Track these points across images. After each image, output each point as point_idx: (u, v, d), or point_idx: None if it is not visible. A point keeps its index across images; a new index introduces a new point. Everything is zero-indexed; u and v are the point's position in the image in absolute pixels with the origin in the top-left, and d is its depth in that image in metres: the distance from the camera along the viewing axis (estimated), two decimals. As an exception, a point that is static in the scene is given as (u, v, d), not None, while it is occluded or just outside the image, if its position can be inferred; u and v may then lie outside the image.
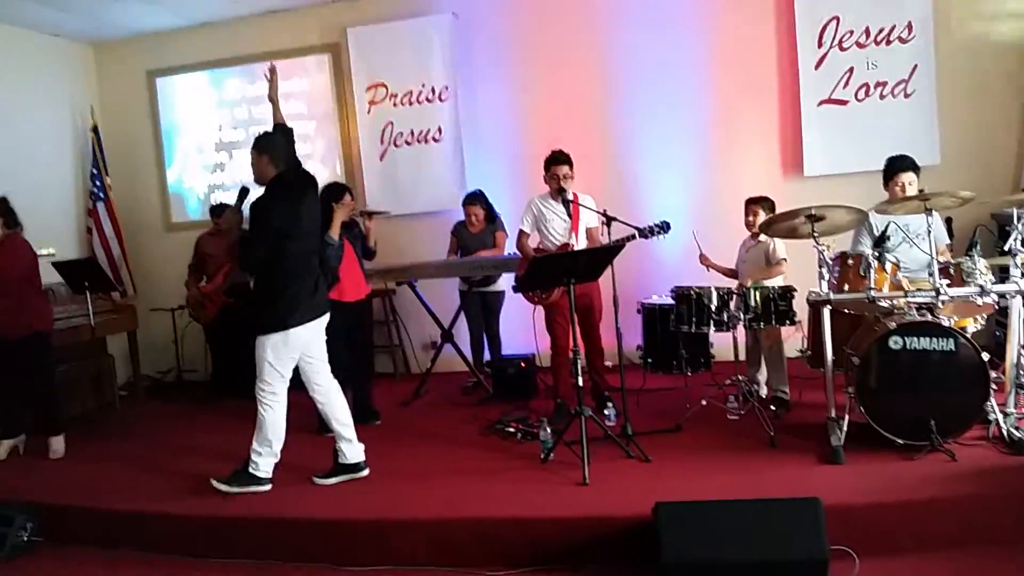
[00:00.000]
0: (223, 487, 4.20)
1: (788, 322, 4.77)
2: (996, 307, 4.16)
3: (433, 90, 7.18)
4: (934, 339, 3.95)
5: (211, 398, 6.77)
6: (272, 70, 4.67)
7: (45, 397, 5.40)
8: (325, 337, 4.37)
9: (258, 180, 4.26)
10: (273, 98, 4.62)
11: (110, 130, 7.82)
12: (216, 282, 6.63)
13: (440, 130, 7.20)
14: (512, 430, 5.00)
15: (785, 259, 5.05)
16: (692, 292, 4.88)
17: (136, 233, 7.92)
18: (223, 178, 7.77)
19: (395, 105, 7.30)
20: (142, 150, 7.96)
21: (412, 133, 7.28)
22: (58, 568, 4.03)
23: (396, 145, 7.33)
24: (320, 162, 7.55)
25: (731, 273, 5.40)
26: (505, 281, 6.34)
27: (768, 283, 4.93)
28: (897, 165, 4.70)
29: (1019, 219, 4.01)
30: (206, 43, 7.61)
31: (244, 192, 4.36)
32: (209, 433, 5.70)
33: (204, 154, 7.80)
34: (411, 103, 7.26)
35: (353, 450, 4.39)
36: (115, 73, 7.97)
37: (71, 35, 7.58)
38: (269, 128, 4.46)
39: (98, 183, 7.57)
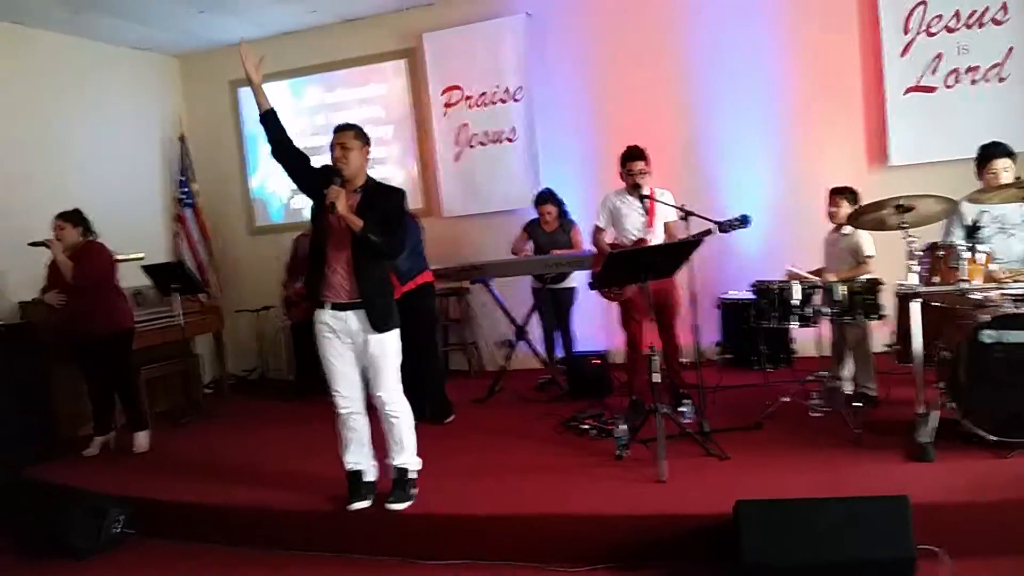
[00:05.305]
0: (402, 505, 3.96)
1: (876, 316, 4.60)
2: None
3: (507, 90, 7.21)
4: (1031, 332, 3.75)
5: (294, 396, 6.92)
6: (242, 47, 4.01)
7: (128, 393, 5.63)
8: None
9: (352, 171, 3.97)
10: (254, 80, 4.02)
11: (196, 138, 8.11)
12: None
13: (514, 130, 7.22)
14: (587, 427, 4.96)
15: (872, 255, 4.87)
16: (774, 286, 4.75)
17: (222, 237, 8.20)
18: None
19: (470, 107, 7.35)
20: (227, 157, 8.24)
21: (487, 134, 7.32)
22: (149, 559, 4.18)
23: (471, 146, 7.39)
24: (397, 164, 7.67)
25: (817, 273, 5.22)
26: (577, 278, 6.31)
27: (853, 276, 4.76)
28: (992, 151, 4.48)
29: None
30: (286, 53, 7.80)
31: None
32: (291, 430, 5.84)
33: (286, 160, 7.97)
34: (485, 104, 7.31)
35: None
36: (200, 84, 8.27)
37: (158, 48, 7.89)
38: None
39: (185, 189, 7.86)
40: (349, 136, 3.96)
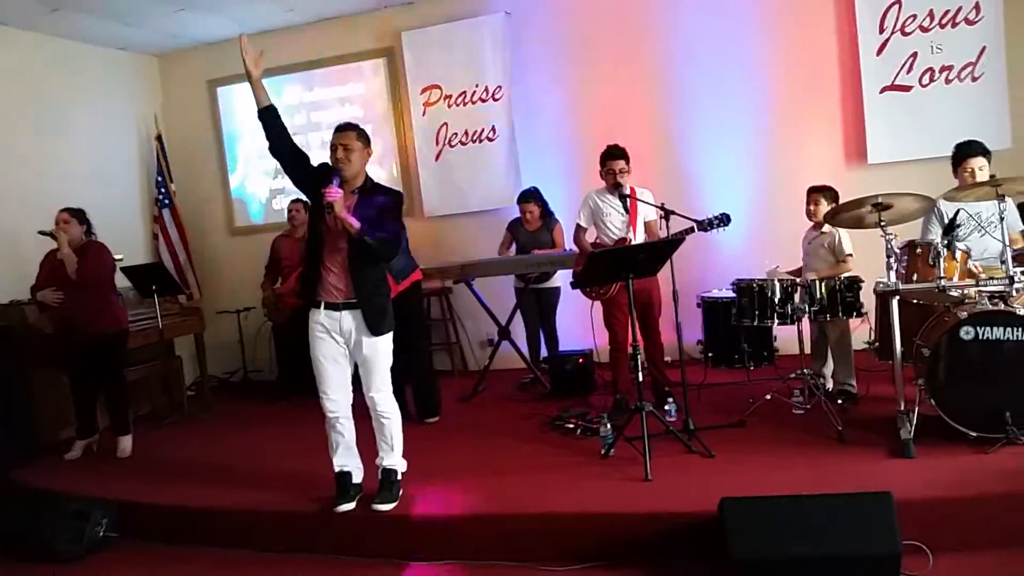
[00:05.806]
0: (388, 506, 3.96)
1: (855, 314, 4.67)
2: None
3: (487, 90, 7.20)
4: (1008, 328, 3.82)
5: (277, 397, 6.89)
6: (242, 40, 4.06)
7: (117, 396, 5.58)
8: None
9: (353, 173, 3.94)
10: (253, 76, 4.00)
11: (174, 138, 8.02)
12: (289, 284, 6.71)
13: (494, 129, 7.21)
14: (572, 426, 4.98)
15: (851, 255, 4.92)
16: (754, 284, 4.80)
17: (201, 237, 8.12)
18: (284, 183, 7.88)
19: (449, 106, 7.33)
20: (205, 157, 8.15)
21: (467, 133, 7.30)
22: (133, 562, 4.15)
23: (451, 145, 7.37)
24: (377, 164, 7.61)
25: (796, 272, 5.28)
26: (561, 277, 6.32)
27: (833, 274, 4.82)
28: (966, 150, 4.54)
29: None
30: (264, 51, 7.70)
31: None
32: (274, 431, 5.82)
33: (265, 160, 7.86)
34: (465, 103, 7.29)
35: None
36: (178, 83, 8.17)
37: (136, 47, 7.79)
38: (329, 131, 4.28)
39: (163, 190, 7.77)
40: (351, 137, 3.94)
